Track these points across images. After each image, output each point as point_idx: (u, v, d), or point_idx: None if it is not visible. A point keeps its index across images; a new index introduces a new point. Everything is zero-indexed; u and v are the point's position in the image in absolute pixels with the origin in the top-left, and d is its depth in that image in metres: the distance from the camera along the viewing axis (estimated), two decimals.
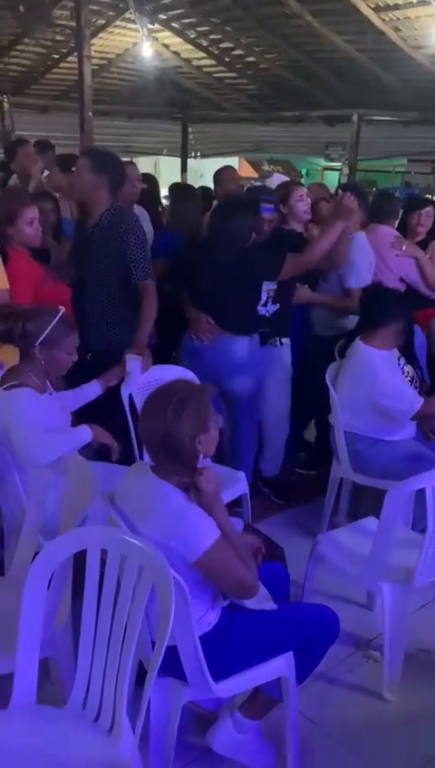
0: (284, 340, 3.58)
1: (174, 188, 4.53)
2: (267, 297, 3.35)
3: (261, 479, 3.70)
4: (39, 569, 1.72)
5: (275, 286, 3.34)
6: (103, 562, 1.73)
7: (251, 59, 8.45)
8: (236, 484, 3.01)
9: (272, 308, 3.39)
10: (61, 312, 2.45)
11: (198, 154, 11.11)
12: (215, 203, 4.50)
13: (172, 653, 1.77)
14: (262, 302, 3.34)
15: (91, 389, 2.81)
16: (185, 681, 1.84)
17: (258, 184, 5.46)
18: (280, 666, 1.96)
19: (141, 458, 2.70)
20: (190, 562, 1.75)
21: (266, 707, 2.07)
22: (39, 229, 3.16)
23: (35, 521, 2.22)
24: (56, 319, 2.41)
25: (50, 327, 2.39)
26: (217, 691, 1.86)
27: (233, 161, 11.74)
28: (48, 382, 2.55)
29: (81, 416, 2.74)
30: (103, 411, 2.84)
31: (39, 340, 2.39)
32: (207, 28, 8.00)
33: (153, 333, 3.27)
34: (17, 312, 2.50)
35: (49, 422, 2.39)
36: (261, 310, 3.35)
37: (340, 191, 3.59)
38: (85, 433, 2.48)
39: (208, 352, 3.28)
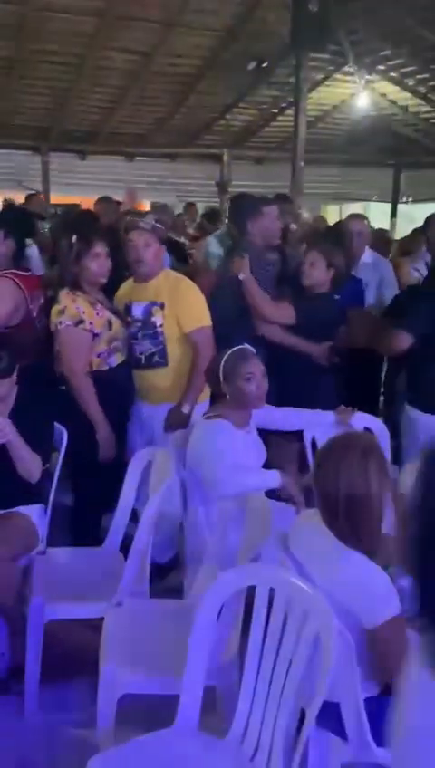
0: None
1: None
2: None
3: None
4: (211, 598, 1.79)
5: None
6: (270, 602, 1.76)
7: None
8: None
9: None
10: (234, 349, 2.57)
11: (410, 199, 10.93)
12: None
13: (337, 708, 1.73)
14: None
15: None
16: (346, 739, 1.79)
17: None
18: None
19: None
20: (367, 628, 1.68)
21: None
22: None
23: (215, 552, 2.31)
24: (227, 354, 2.56)
25: (223, 362, 2.54)
26: (379, 757, 1.78)
27: None
28: (250, 419, 2.65)
29: None
30: None
31: (221, 378, 2.54)
32: (426, 75, 7.94)
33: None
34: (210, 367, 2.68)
35: (241, 457, 2.47)
36: None
37: None
38: (274, 479, 2.47)
39: None
